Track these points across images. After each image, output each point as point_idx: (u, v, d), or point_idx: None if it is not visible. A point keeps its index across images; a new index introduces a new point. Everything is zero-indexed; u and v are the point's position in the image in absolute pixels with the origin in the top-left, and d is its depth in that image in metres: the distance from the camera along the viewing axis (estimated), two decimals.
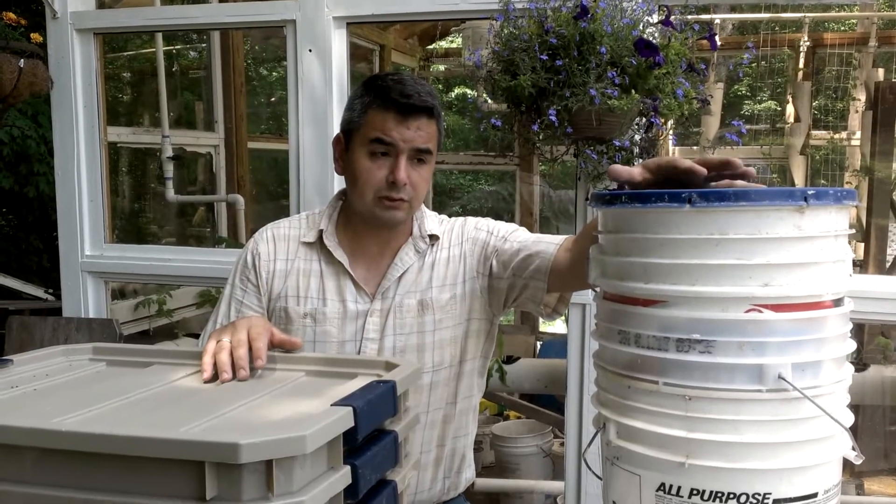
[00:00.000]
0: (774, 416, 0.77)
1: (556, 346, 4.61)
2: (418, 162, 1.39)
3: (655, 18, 1.94)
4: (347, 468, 0.83)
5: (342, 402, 0.86)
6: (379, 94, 1.38)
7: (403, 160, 1.37)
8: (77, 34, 2.53)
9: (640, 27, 1.88)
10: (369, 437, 0.90)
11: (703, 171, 0.84)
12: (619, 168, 0.87)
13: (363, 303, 1.43)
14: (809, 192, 0.75)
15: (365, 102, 1.39)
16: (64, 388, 1.03)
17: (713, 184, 0.85)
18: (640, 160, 1.95)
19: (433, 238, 1.47)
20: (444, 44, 7.50)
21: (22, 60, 2.40)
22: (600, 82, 1.80)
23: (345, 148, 1.44)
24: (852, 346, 0.82)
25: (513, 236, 1.47)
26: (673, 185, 0.85)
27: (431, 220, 1.50)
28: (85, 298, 2.59)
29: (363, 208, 1.41)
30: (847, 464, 0.83)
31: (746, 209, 0.76)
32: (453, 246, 1.48)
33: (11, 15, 2.44)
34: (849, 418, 0.81)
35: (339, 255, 1.44)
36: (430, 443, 1.46)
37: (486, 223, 1.51)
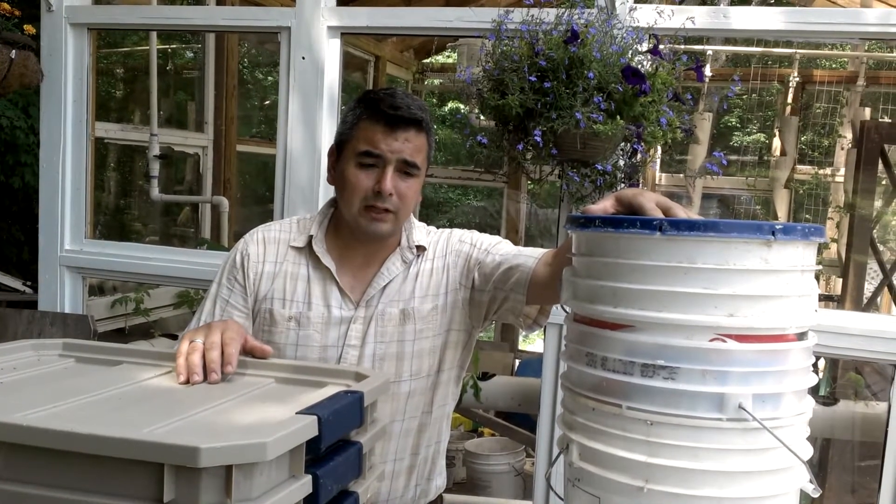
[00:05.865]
0: (734, 445, 0.78)
1: (535, 364, 4.60)
2: (405, 174, 1.41)
3: (645, 47, 1.96)
4: (308, 477, 0.82)
5: (307, 411, 0.86)
6: (369, 105, 1.40)
7: (390, 171, 1.38)
8: (71, 28, 2.53)
9: (629, 55, 1.90)
10: (333, 447, 0.90)
11: None
12: (592, 207, 0.91)
13: (347, 310, 1.44)
14: (777, 227, 0.77)
15: (356, 115, 1.42)
16: (31, 383, 1.02)
17: None
18: (623, 185, 1.97)
19: (420, 249, 1.49)
20: (440, 58, 7.54)
21: (13, 51, 2.39)
22: (586, 106, 1.82)
23: (336, 159, 1.46)
24: (814, 379, 0.84)
25: (495, 249, 1.48)
26: None
27: (419, 231, 1.51)
28: (62, 293, 2.58)
29: (350, 218, 1.43)
30: (811, 497, 0.84)
31: (715, 240, 0.77)
32: (438, 257, 1.50)
33: (6, 5, 2.43)
34: (807, 451, 0.82)
35: (327, 261, 1.45)
36: (405, 451, 1.47)
37: (471, 236, 1.53)
